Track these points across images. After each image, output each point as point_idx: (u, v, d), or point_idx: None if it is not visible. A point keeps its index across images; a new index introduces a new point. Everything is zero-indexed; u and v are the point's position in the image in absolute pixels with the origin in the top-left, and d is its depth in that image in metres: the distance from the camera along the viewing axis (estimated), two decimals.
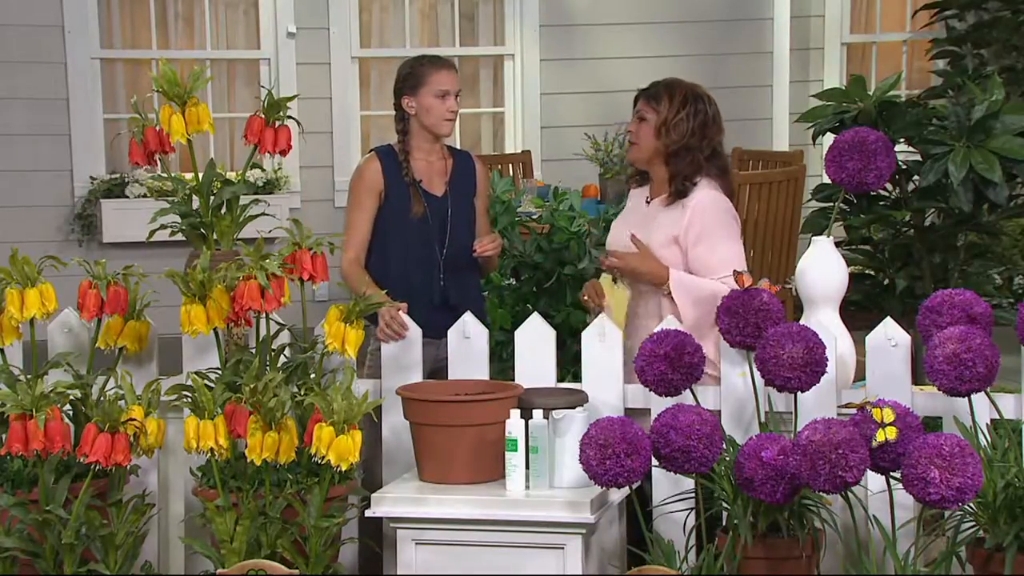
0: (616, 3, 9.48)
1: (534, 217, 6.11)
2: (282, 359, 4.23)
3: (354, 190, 4.89)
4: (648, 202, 4.59)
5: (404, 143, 4.90)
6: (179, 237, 4.41)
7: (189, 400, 4.00)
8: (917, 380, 4.19)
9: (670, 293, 4.37)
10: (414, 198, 4.84)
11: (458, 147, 5.33)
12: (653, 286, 4.43)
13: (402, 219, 4.82)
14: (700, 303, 4.30)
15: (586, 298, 4.55)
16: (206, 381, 4.02)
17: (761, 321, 3.96)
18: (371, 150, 4.99)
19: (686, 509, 3.92)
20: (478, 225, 4.96)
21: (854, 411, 3.66)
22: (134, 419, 3.89)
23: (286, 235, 4.18)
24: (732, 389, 4.16)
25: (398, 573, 3.93)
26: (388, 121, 5.15)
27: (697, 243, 4.42)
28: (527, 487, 3.91)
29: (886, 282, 5.27)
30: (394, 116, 4.95)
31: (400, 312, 4.41)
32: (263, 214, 4.36)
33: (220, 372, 4.14)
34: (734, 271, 4.05)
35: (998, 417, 3.86)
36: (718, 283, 4.33)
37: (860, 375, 4.19)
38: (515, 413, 3.93)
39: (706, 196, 4.45)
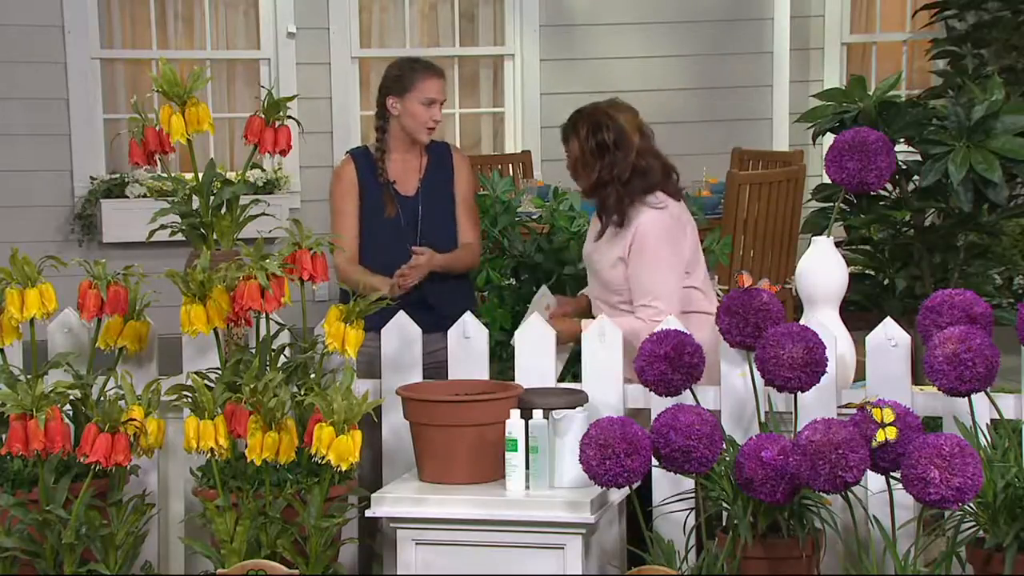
0: (616, 3, 9.47)
1: (534, 217, 6.11)
2: (282, 359, 4.23)
3: (334, 193, 4.95)
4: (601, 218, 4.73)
5: (382, 141, 4.92)
6: (179, 237, 4.41)
7: (189, 400, 4.00)
8: (917, 380, 4.19)
9: None
10: (386, 199, 4.87)
11: (455, 145, 5.33)
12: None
13: (377, 219, 4.87)
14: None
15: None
16: (206, 381, 4.02)
17: (761, 321, 3.95)
18: (346, 152, 5.03)
19: (686, 509, 3.92)
20: (459, 214, 4.96)
21: (854, 411, 3.66)
22: (134, 419, 3.89)
23: (286, 235, 4.18)
24: (732, 389, 4.16)
25: (398, 573, 3.93)
26: None
27: (635, 263, 4.55)
28: (527, 487, 3.91)
29: (886, 282, 5.26)
30: (375, 113, 4.95)
31: (404, 268, 4.64)
32: (263, 214, 4.36)
33: (220, 372, 4.14)
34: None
35: (998, 417, 3.86)
36: (634, 320, 4.46)
37: (860, 375, 4.19)
38: (515, 413, 3.92)
39: (648, 218, 4.57)
